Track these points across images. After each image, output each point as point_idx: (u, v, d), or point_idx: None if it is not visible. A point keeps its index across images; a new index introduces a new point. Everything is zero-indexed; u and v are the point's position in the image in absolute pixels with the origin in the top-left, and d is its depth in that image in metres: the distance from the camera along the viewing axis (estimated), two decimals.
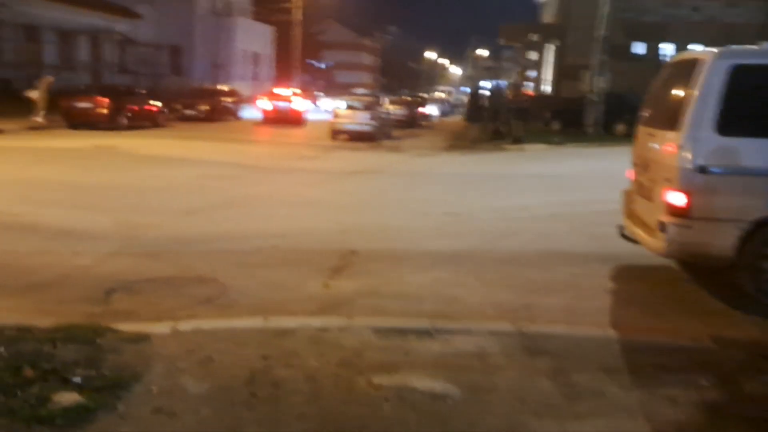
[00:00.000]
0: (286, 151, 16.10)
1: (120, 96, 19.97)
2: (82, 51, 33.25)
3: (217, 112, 26.18)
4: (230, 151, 15.73)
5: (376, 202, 9.30)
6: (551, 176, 12.45)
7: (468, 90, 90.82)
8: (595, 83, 19.99)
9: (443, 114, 45.36)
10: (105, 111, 18.81)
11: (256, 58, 44.50)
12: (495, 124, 20.00)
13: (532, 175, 12.51)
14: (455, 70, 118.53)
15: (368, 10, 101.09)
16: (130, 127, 19.87)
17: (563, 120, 23.07)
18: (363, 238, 6.86)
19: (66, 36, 31.39)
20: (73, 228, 6.97)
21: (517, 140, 18.28)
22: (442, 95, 62.84)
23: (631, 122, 19.31)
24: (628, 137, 20.49)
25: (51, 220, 7.30)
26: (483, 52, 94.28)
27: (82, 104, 18.92)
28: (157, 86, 36.34)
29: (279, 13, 41.83)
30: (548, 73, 37.94)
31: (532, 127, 20.74)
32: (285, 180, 11.32)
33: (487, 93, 21.10)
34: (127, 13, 36.13)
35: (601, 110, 20.40)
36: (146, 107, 21.11)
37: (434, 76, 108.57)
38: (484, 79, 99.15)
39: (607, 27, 20.02)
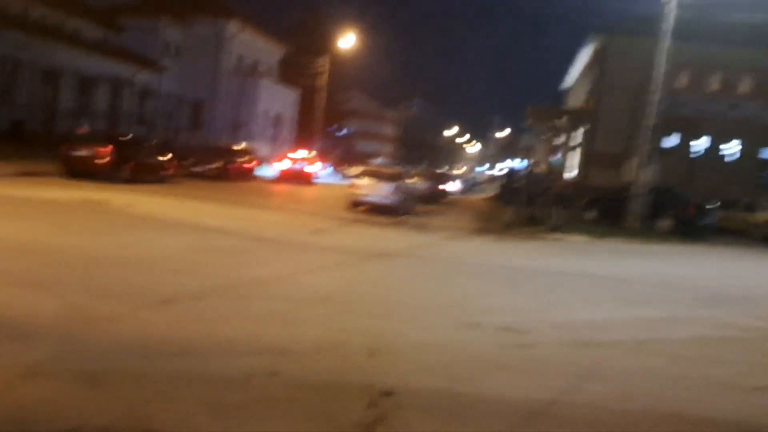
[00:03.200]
0: (299, 222, 14.30)
1: (124, 147, 18.46)
2: (101, 98, 32.37)
3: (229, 171, 24.70)
4: (235, 217, 13.96)
5: (408, 300, 7.35)
6: (608, 278, 10.48)
7: (481, 169, 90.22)
8: (641, 174, 18.28)
9: (463, 191, 44.00)
10: (105, 161, 17.24)
11: (277, 120, 43.70)
12: (530, 208, 18.22)
13: (584, 275, 10.55)
14: (473, 148, 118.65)
15: (393, 83, 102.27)
16: (132, 181, 18.26)
17: (601, 210, 21.28)
18: (397, 366, 4.89)
19: (85, 82, 30.54)
20: (2, 317, 5.07)
21: (556, 228, 16.43)
22: (461, 171, 61.87)
23: (679, 218, 17.51)
24: (673, 235, 18.77)
25: None
26: (503, 133, 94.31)
27: (82, 152, 17.38)
28: (173, 140, 35.39)
29: (305, 77, 41.22)
30: (574, 159, 36.62)
31: (565, 215, 18.92)
32: (294, 260, 9.43)
33: (521, 174, 19.54)
34: (152, 64, 35.52)
35: (646, 203, 18.59)
36: (152, 161, 19.58)
37: (454, 151, 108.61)
38: (503, 159, 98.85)
39: (657, 115, 18.49)
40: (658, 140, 19.32)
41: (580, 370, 5.25)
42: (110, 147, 17.45)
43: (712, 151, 31.27)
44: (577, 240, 15.73)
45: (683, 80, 32.11)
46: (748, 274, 13.26)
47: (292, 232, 12.56)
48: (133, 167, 18.28)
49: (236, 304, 6.24)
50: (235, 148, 27.79)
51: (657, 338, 6.60)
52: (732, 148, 31.26)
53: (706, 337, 6.91)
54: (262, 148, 38.53)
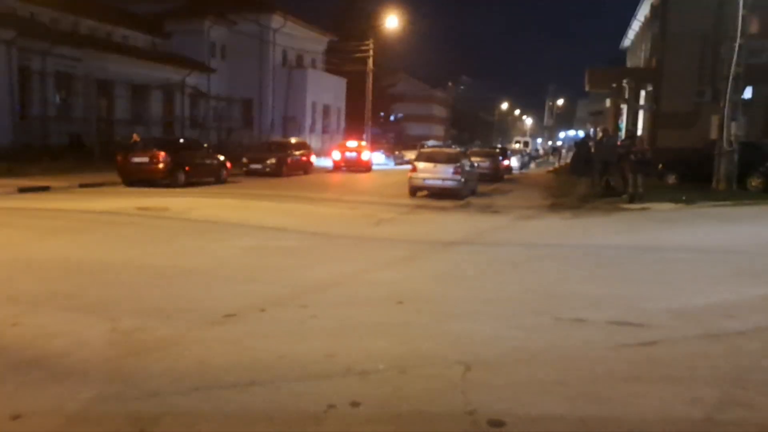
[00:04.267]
0: (360, 213, 13.56)
1: (179, 150, 18.19)
2: (154, 105, 32.61)
3: (285, 166, 24.29)
4: (296, 213, 13.35)
5: (494, 295, 6.46)
6: (713, 250, 9.27)
7: (538, 142, 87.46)
8: (728, 129, 16.64)
9: (522, 166, 42.48)
10: (161, 166, 17.00)
11: (326, 110, 43.21)
12: (605, 178, 16.89)
13: (686, 249, 9.38)
14: (527, 121, 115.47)
15: (439, 62, 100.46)
16: (190, 184, 18.03)
17: (680, 173, 19.68)
18: (502, 384, 4.03)
19: (138, 90, 30.77)
20: (44, 350, 4.51)
21: (637, 198, 15.11)
22: (519, 146, 59.95)
23: None
24: (765, 194, 17.05)
25: (24, 331, 4.89)
26: (558, 103, 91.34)
27: (138, 159, 17.21)
28: (226, 140, 35.39)
29: (351, 63, 40.47)
30: (639, 122, 34.57)
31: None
32: (360, 255, 8.67)
33: (592, 142, 18.18)
34: (201, 67, 35.54)
35: (735, 161, 16.96)
36: (207, 162, 19.26)
37: (506, 127, 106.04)
38: (560, 130, 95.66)
39: (740, 62, 16.77)
40: (741, 92, 17.53)
41: (725, 372, 4.26)
42: (164, 153, 17.17)
43: None
44: (664, 209, 14.38)
45: (753, 26, 29.66)
46: None
47: (354, 224, 11.84)
48: (189, 171, 18.01)
49: (303, 315, 5.50)
50: (289, 142, 27.40)
51: None
52: None
53: None
54: (314, 140, 38.13)
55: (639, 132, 32.23)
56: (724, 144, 16.87)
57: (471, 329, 5.20)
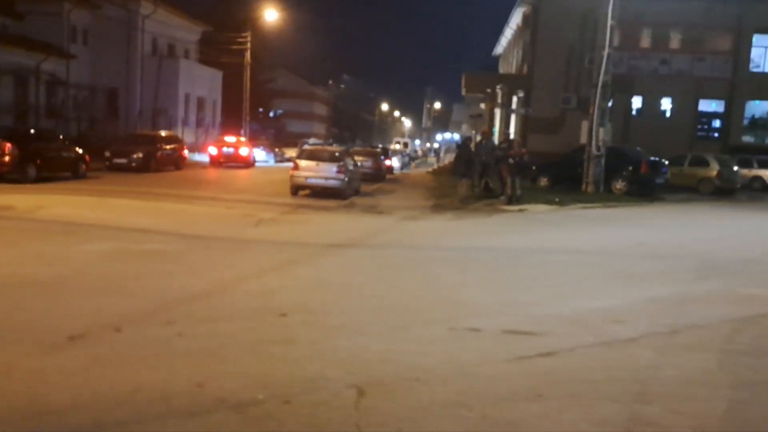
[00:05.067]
0: (238, 213, 12.70)
1: (29, 141, 16.24)
2: (3, 92, 29.21)
3: (154, 160, 22.60)
4: (164, 212, 12.25)
5: (384, 304, 6.03)
6: (592, 253, 9.50)
7: (416, 144, 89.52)
8: (597, 135, 17.50)
9: (403, 166, 42.94)
10: (6, 159, 15.02)
11: (201, 103, 41.12)
12: (484, 179, 17.17)
13: (567, 252, 9.53)
14: (406, 123, 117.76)
15: (319, 59, 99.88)
16: (43, 179, 16.15)
17: (552, 176, 20.52)
18: (399, 411, 3.57)
19: None
20: None
21: (515, 200, 15.44)
22: (399, 146, 60.68)
23: (633, 180, 16.86)
24: (628, 196, 18.16)
25: None
26: (435, 106, 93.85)
27: None
28: (90, 132, 32.56)
29: (227, 54, 38.83)
30: (512, 126, 36.04)
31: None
32: (238, 261, 7.94)
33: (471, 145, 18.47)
34: (58, 52, 32.34)
35: (602, 165, 17.88)
36: (62, 156, 17.40)
37: (386, 127, 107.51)
38: (436, 132, 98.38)
39: (607, 71, 17.70)
40: (609, 99, 18.52)
41: (626, 385, 4.08)
42: (9, 144, 15.22)
43: (647, 108, 31.21)
44: (540, 210, 14.79)
45: (615, 39, 31.84)
46: (723, 234, 12.61)
47: (231, 225, 11.01)
48: (41, 164, 16.14)
49: (168, 333, 4.75)
50: (158, 135, 25.59)
51: (683, 326, 5.55)
52: (666, 104, 31.29)
53: (734, 317, 5.94)
54: (188, 134, 36.17)
55: (512, 136, 33.55)
56: (593, 149, 17.73)
57: (361, 344, 4.72)
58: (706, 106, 31.13)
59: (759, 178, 23.66)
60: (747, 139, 30.59)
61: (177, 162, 24.68)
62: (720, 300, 6.56)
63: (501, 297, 6.46)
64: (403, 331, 5.13)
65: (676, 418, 3.61)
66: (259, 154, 34.48)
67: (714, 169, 21.83)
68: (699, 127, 31.17)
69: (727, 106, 30.16)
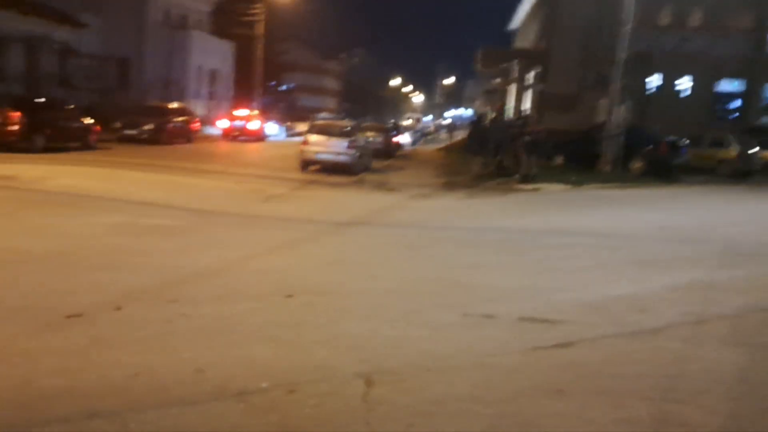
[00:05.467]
0: (247, 188, 12.48)
1: (37, 112, 16.04)
2: (15, 60, 28.94)
3: (165, 133, 22.38)
4: (174, 186, 12.05)
5: (395, 286, 5.80)
6: (612, 235, 9.16)
7: (428, 120, 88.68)
8: (616, 113, 17.04)
9: (414, 142, 42.51)
10: (15, 128, 14.87)
11: (213, 76, 40.74)
12: (498, 158, 16.80)
13: (586, 234, 9.23)
14: (418, 99, 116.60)
15: (333, 33, 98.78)
16: (51, 149, 15.98)
17: (569, 154, 20.09)
18: (410, 410, 3.35)
19: None
20: None
21: (529, 179, 15.10)
22: (411, 122, 60.10)
23: (651, 160, 16.45)
24: (646, 177, 17.72)
25: None
26: (448, 81, 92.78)
27: None
28: (101, 102, 32.34)
29: (239, 26, 38.32)
30: (527, 103, 35.43)
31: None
32: (245, 237, 7.74)
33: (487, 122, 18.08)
34: (70, 21, 31.97)
35: (621, 144, 17.45)
36: (72, 126, 17.21)
37: (398, 102, 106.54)
38: (448, 108, 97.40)
39: (627, 48, 17.16)
40: (629, 77, 18.02)
41: (653, 381, 3.83)
42: (18, 113, 15.03)
43: (666, 86, 30.53)
44: (555, 190, 14.44)
45: (634, 15, 31.04)
46: (746, 218, 12.18)
47: (240, 200, 10.79)
48: (49, 134, 15.97)
49: (171, 313, 4.55)
50: (170, 107, 25.31)
51: (710, 315, 5.28)
52: (685, 83, 30.59)
53: (763, 306, 5.66)
54: (200, 107, 35.90)
55: (527, 113, 32.98)
56: (612, 127, 17.29)
57: (371, 329, 4.50)
58: (725, 85, 30.41)
59: None
60: (766, 120, 29.91)
61: (188, 135, 24.45)
62: (747, 288, 6.26)
63: (516, 281, 6.20)
64: (414, 315, 4.90)
65: (710, 418, 3.36)
66: (272, 128, 34.20)
67: (734, 151, 21.27)
68: (717, 107, 30.52)
69: (746, 86, 29.42)
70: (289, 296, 5.18)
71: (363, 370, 3.72)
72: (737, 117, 30.22)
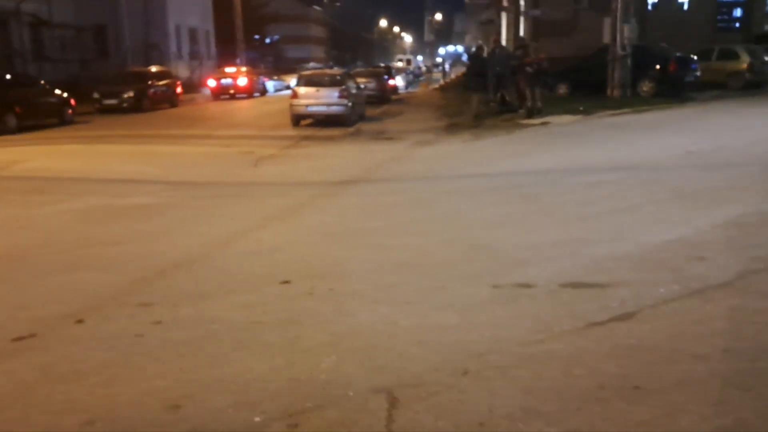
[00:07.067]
0: (236, 150, 11.58)
1: (6, 89, 15.00)
2: None
3: (147, 99, 21.29)
4: (156, 156, 11.17)
5: (405, 255, 4.99)
6: (638, 168, 8.28)
7: (419, 60, 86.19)
8: (621, 33, 15.86)
9: (408, 85, 41.12)
10: None
11: (193, 34, 39.08)
12: (499, 93, 15.73)
13: (610, 169, 8.36)
14: (407, 39, 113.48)
15: None
16: (26, 128, 15.00)
17: (572, 82, 18.99)
18: (440, 420, 2.59)
19: None
20: None
21: (535, 112, 14.11)
22: (402, 64, 58.31)
23: (661, 80, 15.38)
24: (658, 97, 16.65)
25: None
26: (436, 17, 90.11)
27: None
28: (82, 73, 30.97)
29: None
30: (520, 31, 33.89)
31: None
32: (233, 209, 6.91)
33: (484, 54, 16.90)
34: None
35: (628, 66, 16.33)
36: (45, 102, 16.17)
37: (387, 45, 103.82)
38: (439, 46, 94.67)
39: None
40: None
41: (752, 361, 3.04)
42: None
43: (664, 1, 29.07)
44: (564, 122, 13.47)
45: None
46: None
47: (228, 166, 9.93)
48: (21, 113, 14.96)
49: (142, 322, 3.75)
50: (149, 71, 24.05)
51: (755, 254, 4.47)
52: None
53: None
54: (182, 68, 34.49)
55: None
56: (618, 49, 16.15)
57: (386, 319, 3.70)
58: None
59: None
60: None
61: (172, 99, 23.33)
62: None
63: (545, 235, 5.38)
64: (434, 293, 4.11)
65: None
66: (259, 84, 32.82)
67: (744, 62, 20.14)
68: (719, 17, 29.12)
69: None
70: (285, 282, 4.38)
71: (382, 382, 2.94)
72: (740, 27, 28.89)
